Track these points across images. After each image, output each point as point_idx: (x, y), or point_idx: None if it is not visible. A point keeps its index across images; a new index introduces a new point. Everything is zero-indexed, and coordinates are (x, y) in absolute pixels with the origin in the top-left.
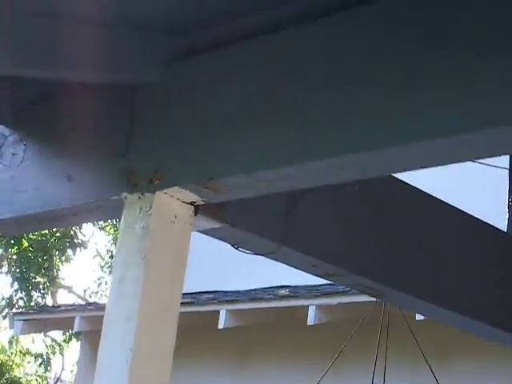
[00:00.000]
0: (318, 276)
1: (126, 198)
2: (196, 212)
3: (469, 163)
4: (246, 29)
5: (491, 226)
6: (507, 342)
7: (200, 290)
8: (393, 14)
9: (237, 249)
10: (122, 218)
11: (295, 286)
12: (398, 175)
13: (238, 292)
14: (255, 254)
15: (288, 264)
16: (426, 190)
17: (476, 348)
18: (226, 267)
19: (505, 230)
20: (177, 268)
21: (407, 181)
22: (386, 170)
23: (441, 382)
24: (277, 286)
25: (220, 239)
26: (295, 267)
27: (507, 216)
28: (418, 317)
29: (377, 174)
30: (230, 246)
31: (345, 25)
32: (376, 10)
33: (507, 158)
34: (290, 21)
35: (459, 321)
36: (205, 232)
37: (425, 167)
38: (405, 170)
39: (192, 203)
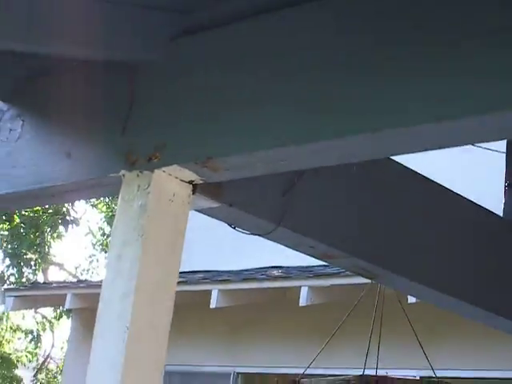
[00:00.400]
0: (314, 257)
1: (124, 175)
2: (194, 191)
3: (467, 146)
4: (245, 8)
5: (487, 210)
6: (500, 325)
7: (193, 269)
8: None
9: (234, 228)
10: (120, 195)
11: (288, 267)
12: (398, 159)
13: (230, 272)
14: (252, 234)
15: (285, 245)
16: (423, 174)
17: (466, 330)
18: (220, 247)
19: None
20: (174, 246)
21: (405, 164)
22: (386, 152)
23: (432, 363)
24: (269, 267)
25: (217, 219)
26: (292, 248)
27: (503, 201)
28: (410, 300)
29: (376, 156)
30: (223, 226)
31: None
32: None
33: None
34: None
35: (452, 304)
36: (202, 211)
37: (420, 150)
38: (404, 153)
39: (190, 182)
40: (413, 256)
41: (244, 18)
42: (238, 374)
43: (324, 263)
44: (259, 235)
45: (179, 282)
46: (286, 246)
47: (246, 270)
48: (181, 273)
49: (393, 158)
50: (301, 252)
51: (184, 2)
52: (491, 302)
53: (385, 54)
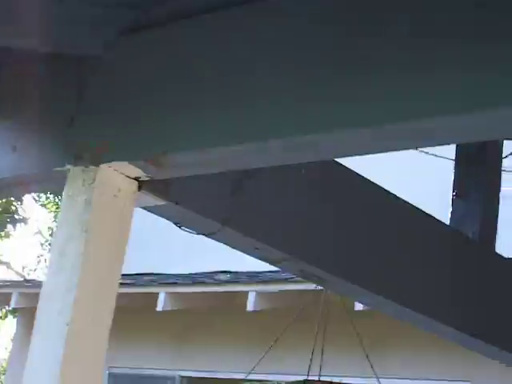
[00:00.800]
0: (260, 259)
1: (69, 170)
2: (140, 188)
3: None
4: (195, 6)
5: (435, 219)
6: (446, 334)
7: (141, 272)
8: None
9: (180, 227)
10: (65, 190)
11: (236, 272)
12: (350, 164)
13: (178, 275)
14: (198, 233)
15: (230, 245)
16: (370, 178)
17: (413, 338)
18: (169, 250)
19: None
20: (118, 243)
21: (357, 169)
22: (340, 153)
23: (377, 370)
24: (218, 271)
25: (163, 217)
26: (237, 249)
27: (450, 209)
28: (357, 307)
29: (331, 157)
30: (174, 228)
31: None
32: None
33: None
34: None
35: (399, 312)
36: (149, 209)
37: (371, 153)
38: (358, 154)
39: (136, 178)
40: (361, 262)
41: (191, 16)
42: (181, 377)
43: (275, 269)
44: (205, 235)
45: (127, 284)
46: (232, 246)
47: (195, 274)
48: (129, 275)
49: (339, 161)
50: (247, 254)
51: None
52: (438, 309)
53: (344, 53)
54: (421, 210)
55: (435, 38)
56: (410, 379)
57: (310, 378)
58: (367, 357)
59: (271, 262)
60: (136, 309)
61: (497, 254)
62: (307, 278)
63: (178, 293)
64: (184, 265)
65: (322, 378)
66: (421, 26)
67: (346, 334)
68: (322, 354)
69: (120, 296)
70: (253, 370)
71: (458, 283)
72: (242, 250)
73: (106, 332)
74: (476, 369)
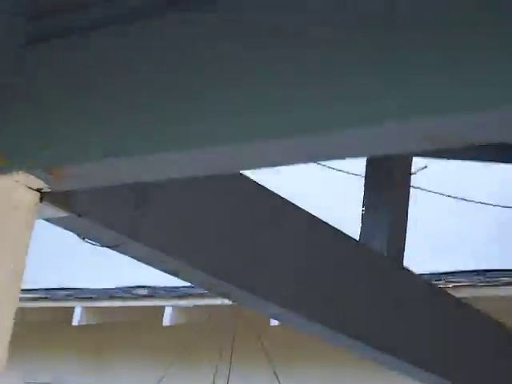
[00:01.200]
0: (166, 272)
1: None
2: (42, 199)
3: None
4: (99, 19)
5: (344, 233)
6: (354, 348)
7: (56, 287)
8: None
9: (83, 240)
10: None
11: (154, 287)
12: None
13: (95, 290)
14: (102, 246)
15: (136, 258)
16: (275, 187)
17: (323, 353)
18: (84, 265)
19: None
20: (17, 257)
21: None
22: (246, 165)
23: None
24: (135, 286)
25: (66, 229)
26: (143, 262)
27: (360, 225)
28: (272, 322)
29: (238, 169)
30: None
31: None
32: None
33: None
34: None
35: (305, 326)
36: (50, 221)
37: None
38: (267, 166)
39: (38, 190)
40: (265, 276)
41: (98, 29)
42: None
43: (189, 284)
44: (109, 247)
45: (41, 299)
46: (137, 259)
47: (112, 289)
48: (43, 289)
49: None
50: (152, 267)
51: (33, 7)
52: (341, 321)
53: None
54: (329, 225)
55: None
56: None
57: None
58: (274, 373)
59: (177, 275)
60: (52, 324)
61: (404, 268)
62: (212, 290)
63: (94, 307)
64: (99, 280)
65: None
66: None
67: (257, 349)
68: (230, 368)
69: (34, 311)
70: (160, 380)
71: (367, 298)
72: (147, 263)
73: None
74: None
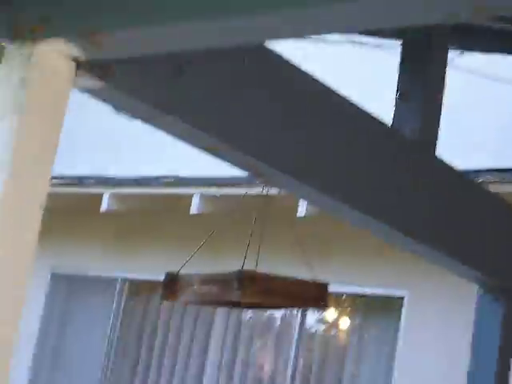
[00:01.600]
0: (199, 148)
1: (4, 47)
2: (78, 68)
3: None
4: None
5: (376, 118)
6: (391, 237)
7: (87, 175)
8: None
9: (117, 111)
10: (0, 67)
11: (183, 177)
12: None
13: (124, 178)
14: (135, 118)
15: (167, 132)
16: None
17: (355, 245)
18: (114, 153)
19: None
20: (53, 123)
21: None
22: (277, 35)
23: (318, 276)
24: (165, 176)
25: (101, 100)
26: (175, 136)
27: (393, 110)
28: (299, 213)
29: (270, 38)
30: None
31: None
32: None
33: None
34: None
35: (343, 212)
36: (86, 91)
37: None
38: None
39: (74, 59)
40: (306, 160)
41: None
42: (123, 280)
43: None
44: (141, 120)
45: (71, 184)
46: (169, 133)
47: (142, 177)
48: (74, 177)
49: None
50: (185, 142)
51: None
52: (378, 207)
53: None
54: (363, 110)
55: None
56: (353, 285)
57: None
58: (307, 261)
59: (210, 152)
60: (80, 210)
61: (436, 157)
62: (247, 169)
63: (122, 194)
64: (128, 168)
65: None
66: None
67: (288, 239)
68: (259, 251)
69: (64, 197)
70: (185, 264)
71: (401, 185)
72: (178, 137)
73: (39, 210)
74: (412, 279)
